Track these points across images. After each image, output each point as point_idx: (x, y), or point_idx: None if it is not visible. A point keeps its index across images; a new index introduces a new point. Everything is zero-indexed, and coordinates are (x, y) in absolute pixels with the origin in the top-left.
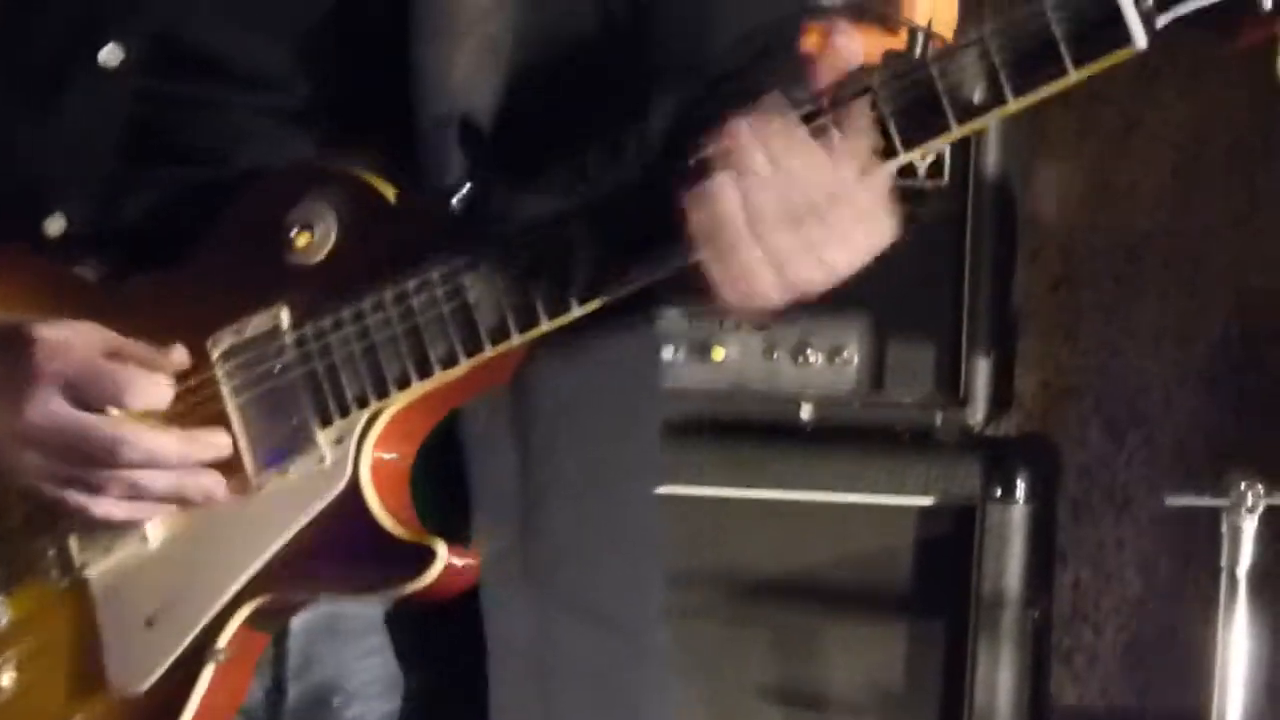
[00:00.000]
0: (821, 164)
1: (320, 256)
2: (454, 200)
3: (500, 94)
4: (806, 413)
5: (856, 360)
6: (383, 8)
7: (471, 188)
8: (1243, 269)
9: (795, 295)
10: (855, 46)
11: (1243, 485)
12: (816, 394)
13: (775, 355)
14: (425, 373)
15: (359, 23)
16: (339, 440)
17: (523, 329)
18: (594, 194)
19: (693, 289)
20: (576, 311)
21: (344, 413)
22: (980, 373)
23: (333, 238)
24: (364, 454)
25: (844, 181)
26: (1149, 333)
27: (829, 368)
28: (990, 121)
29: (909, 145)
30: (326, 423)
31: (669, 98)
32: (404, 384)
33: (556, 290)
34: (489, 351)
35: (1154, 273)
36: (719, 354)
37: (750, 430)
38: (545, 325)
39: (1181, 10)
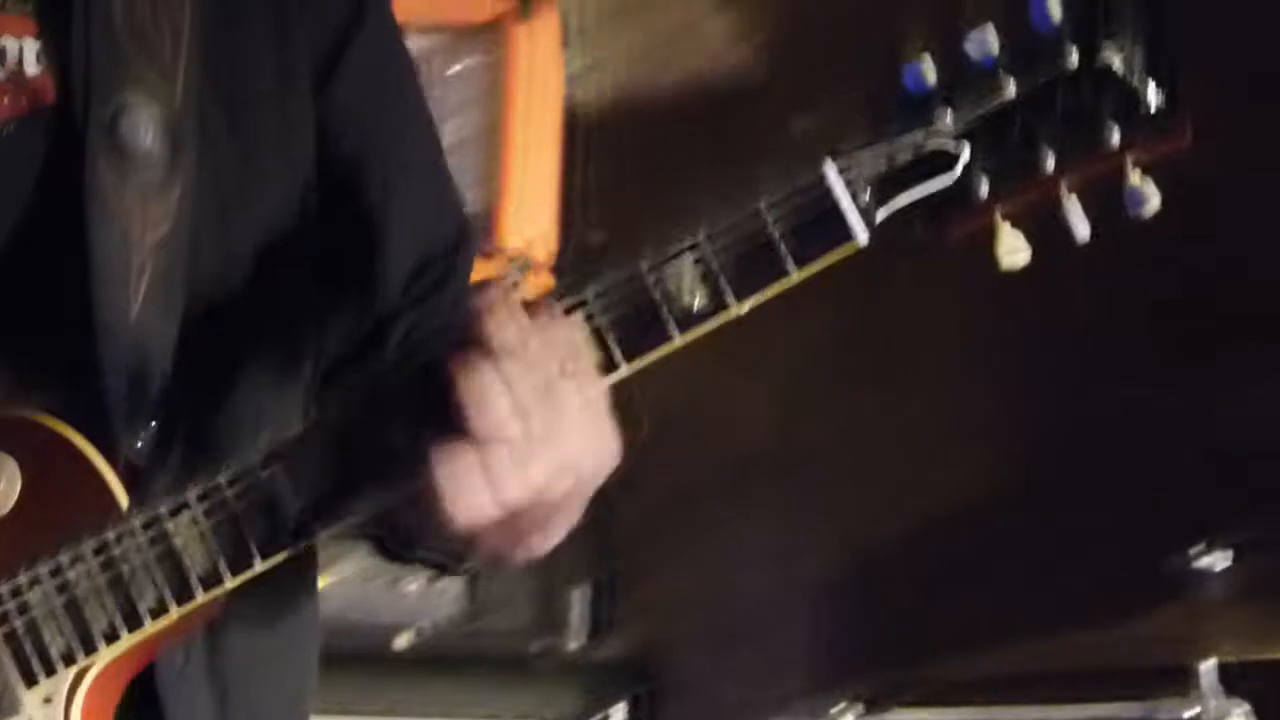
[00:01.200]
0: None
1: (5, 509)
2: (138, 444)
3: (179, 329)
4: (405, 641)
5: (454, 589)
6: (59, 247)
7: (156, 430)
8: (852, 489)
9: (510, 514)
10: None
11: (844, 705)
12: (415, 622)
13: (374, 584)
14: (134, 625)
15: (36, 263)
16: (47, 700)
17: (236, 571)
18: (309, 428)
19: (401, 524)
20: (291, 550)
21: (49, 672)
22: (578, 600)
23: (17, 488)
24: (73, 713)
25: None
26: (755, 553)
27: (427, 596)
28: (715, 325)
29: (631, 357)
30: (32, 683)
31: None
32: (112, 638)
33: (270, 530)
34: (200, 598)
35: (761, 492)
36: (320, 581)
37: (349, 659)
38: (259, 566)
39: (899, 204)
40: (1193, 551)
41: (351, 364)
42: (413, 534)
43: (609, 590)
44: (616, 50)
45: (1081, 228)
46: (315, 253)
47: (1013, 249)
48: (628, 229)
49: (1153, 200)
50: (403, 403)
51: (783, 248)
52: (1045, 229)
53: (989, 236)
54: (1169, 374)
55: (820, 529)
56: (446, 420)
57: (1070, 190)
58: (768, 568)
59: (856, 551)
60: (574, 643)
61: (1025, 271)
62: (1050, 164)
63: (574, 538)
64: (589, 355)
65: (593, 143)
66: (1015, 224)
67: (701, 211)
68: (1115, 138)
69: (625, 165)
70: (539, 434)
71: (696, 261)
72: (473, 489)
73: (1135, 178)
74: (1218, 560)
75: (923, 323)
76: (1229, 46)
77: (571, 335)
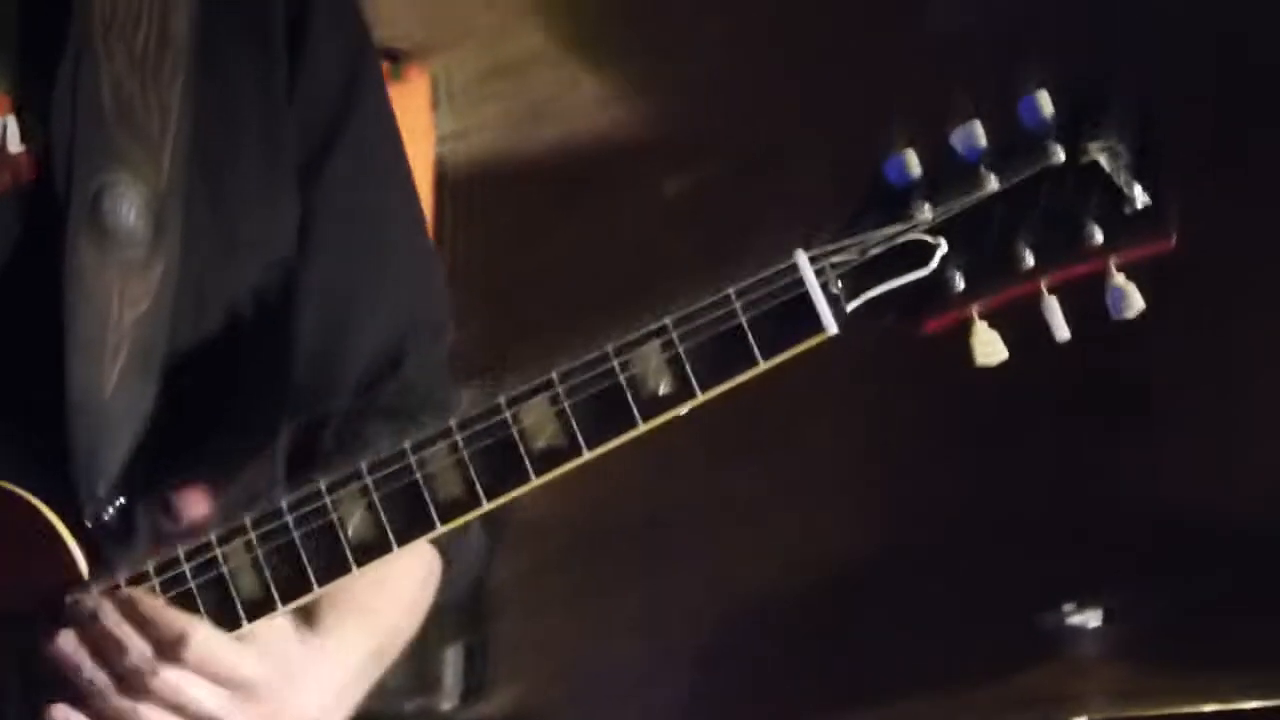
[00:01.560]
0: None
1: None
2: (105, 516)
3: (155, 404)
4: None
5: None
6: (37, 322)
7: (124, 503)
8: (722, 552)
9: None
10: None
11: None
12: None
13: None
14: None
15: (12, 337)
16: None
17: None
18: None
19: None
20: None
21: None
22: (452, 660)
23: None
24: None
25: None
26: (626, 616)
27: None
28: (681, 412)
29: (592, 444)
30: None
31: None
32: None
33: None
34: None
35: (632, 556)
36: None
37: None
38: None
39: (872, 294)
40: (1065, 608)
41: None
42: None
43: (482, 651)
44: (487, 114)
45: (1061, 329)
46: (288, 333)
47: (988, 346)
48: (497, 294)
49: (1135, 302)
50: None
51: (751, 336)
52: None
53: (964, 333)
54: (1043, 434)
55: (692, 592)
56: None
57: (1050, 289)
58: (639, 630)
59: (728, 615)
60: (448, 703)
61: (901, 333)
62: (1030, 262)
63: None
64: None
65: (462, 205)
66: (991, 321)
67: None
68: (1098, 238)
69: (496, 228)
70: None
71: (664, 347)
72: None
73: (1118, 279)
74: (1089, 618)
75: (792, 385)
76: None
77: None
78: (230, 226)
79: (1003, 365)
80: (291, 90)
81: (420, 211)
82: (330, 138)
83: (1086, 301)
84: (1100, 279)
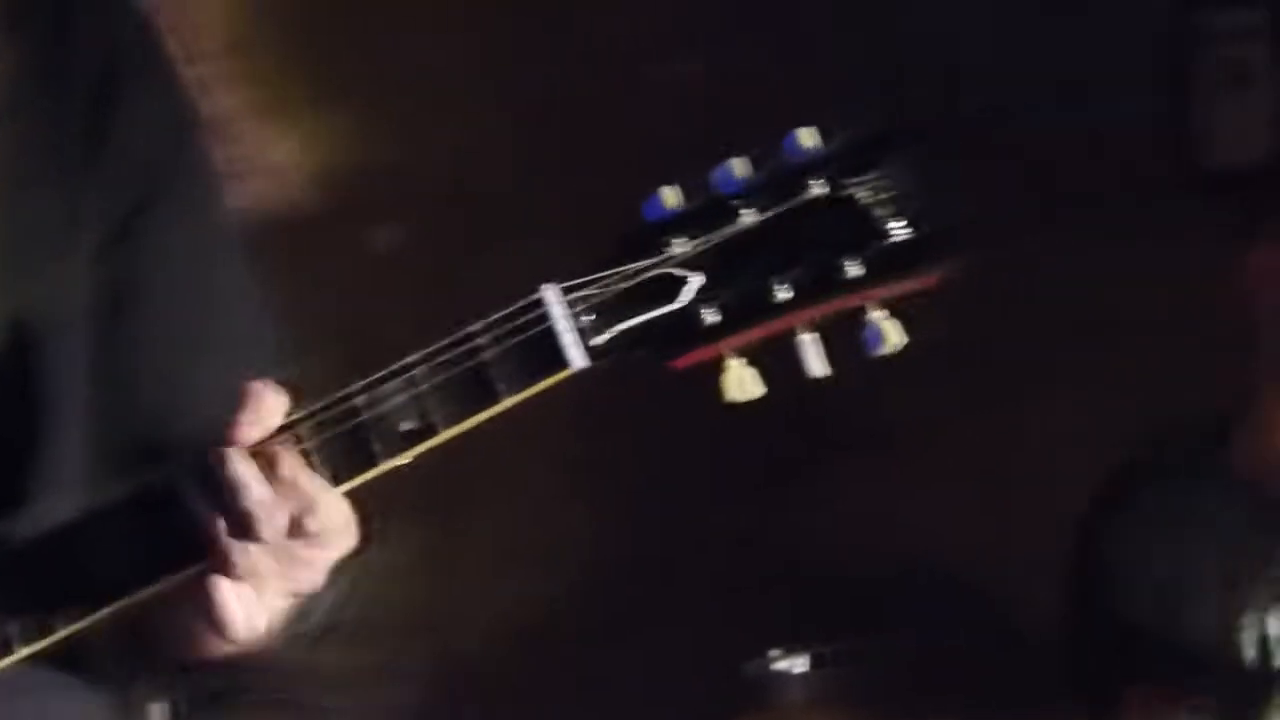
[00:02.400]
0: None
1: None
2: None
3: None
4: None
5: None
6: None
7: None
8: (430, 609)
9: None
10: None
11: None
12: None
13: None
14: None
15: None
16: None
17: None
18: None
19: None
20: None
21: None
22: (157, 716)
23: None
24: None
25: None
26: (332, 674)
27: None
28: (426, 448)
29: (338, 480)
30: None
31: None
32: None
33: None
34: None
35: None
36: None
37: None
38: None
39: (620, 329)
40: (771, 654)
41: None
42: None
43: (186, 709)
44: None
45: (816, 364)
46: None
47: (741, 382)
48: None
49: (893, 338)
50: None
51: (495, 372)
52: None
53: (716, 368)
54: (750, 488)
55: (400, 648)
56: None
57: (806, 325)
58: (346, 689)
59: (438, 673)
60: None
61: (611, 389)
62: (785, 296)
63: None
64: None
65: None
66: (746, 357)
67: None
68: (857, 273)
69: None
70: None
71: (408, 384)
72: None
73: (875, 315)
74: (796, 664)
75: (491, 438)
76: None
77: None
78: (19, 308)
79: (719, 422)
80: (99, 152)
81: (245, 270)
82: (150, 196)
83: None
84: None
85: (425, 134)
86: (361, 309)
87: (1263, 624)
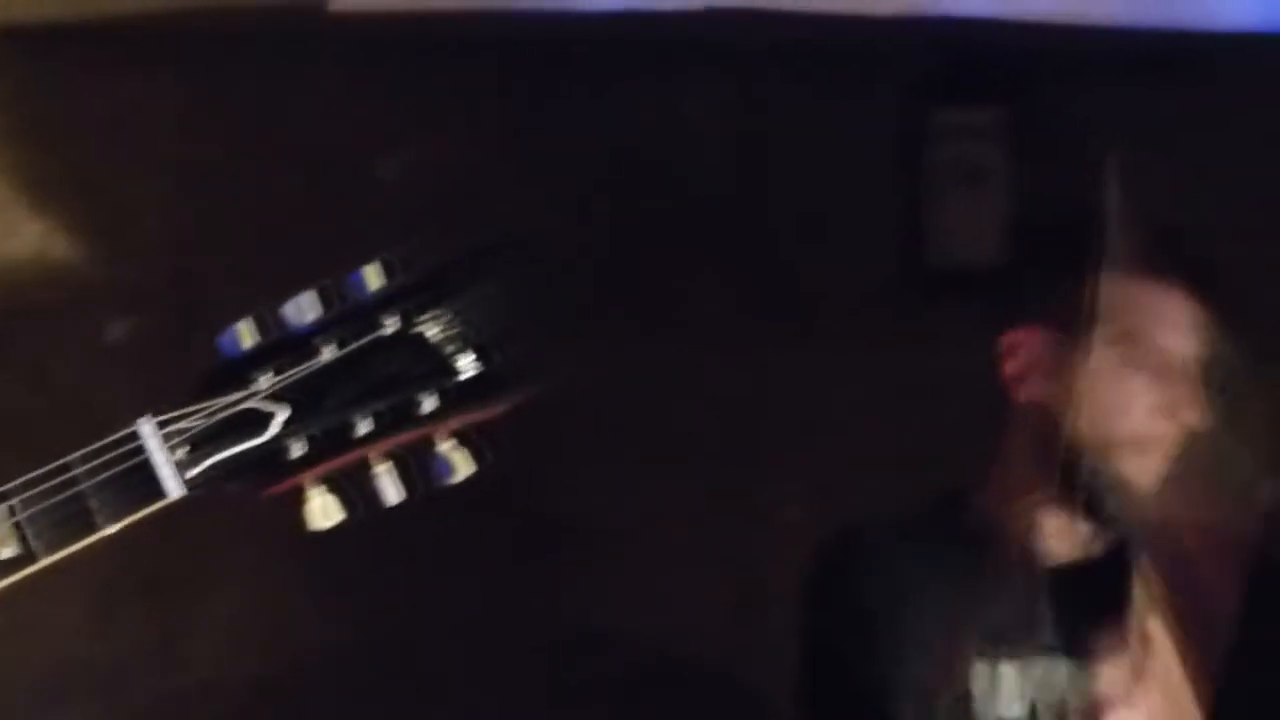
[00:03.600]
0: None
1: None
2: None
3: None
4: None
5: None
6: None
7: None
8: (159, 693)
9: None
10: None
11: None
12: None
13: None
14: None
15: None
16: None
17: None
18: None
19: None
20: None
21: None
22: None
23: None
24: None
25: None
26: None
27: None
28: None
29: None
30: None
31: None
32: None
33: None
34: None
35: (78, 694)
36: None
37: None
38: None
39: (213, 461)
40: None
41: None
42: None
43: None
44: None
45: (391, 492)
46: None
47: (324, 510)
48: None
49: (462, 468)
50: None
51: (93, 503)
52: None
53: (300, 497)
54: (489, 571)
55: None
56: None
57: (382, 455)
58: None
59: None
60: None
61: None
62: (364, 429)
63: None
64: None
65: None
66: (329, 486)
67: None
68: (429, 406)
69: None
70: None
71: (9, 512)
72: None
73: (444, 446)
74: None
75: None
76: None
77: None
78: None
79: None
80: None
81: None
82: None
83: (543, 439)
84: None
85: (146, 228)
86: (79, 402)
87: (990, 677)
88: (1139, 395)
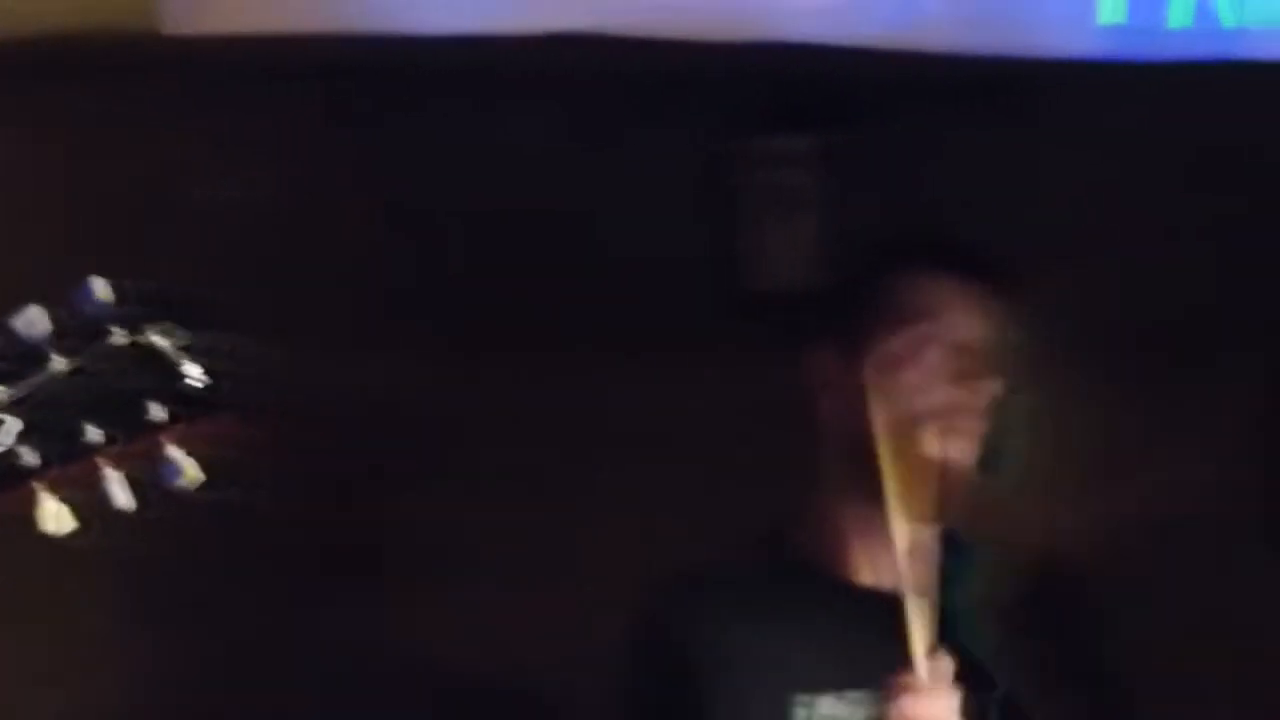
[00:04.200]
0: None
1: None
2: None
3: None
4: None
5: None
6: None
7: None
8: None
9: None
10: None
11: None
12: None
13: None
14: None
15: None
16: None
17: None
18: None
19: None
20: None
21: None
22: None
23: None
24: None
25: None
26: None
27: None
28: None
29: None
30: None
31: None
32: None
33: None
34: None
35: None
36: None
37: None
38: None
39: None
40: None
41: None
42: None
43: None
44: None
45: (121, 498)
46: None
47: (56, 518)
48: None
49: (190, 473)
50: None
51: None
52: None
53: (31, 505)
54: (306, 592)
55: None
56: None
57: (112, 462)
58: None
59: None
60: None
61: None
62: (95, 438)
63: None
64: None
65: None
66: (60, 493)
67: None
68: (158, 415)
69: None
70: None
71: None
72: None
73: (173, 453)
74: None
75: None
76: None
77: None
78: None
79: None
80: None
81: None
82: None
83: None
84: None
85: None
86: None
87: (812, 708)
88: (937, 371)
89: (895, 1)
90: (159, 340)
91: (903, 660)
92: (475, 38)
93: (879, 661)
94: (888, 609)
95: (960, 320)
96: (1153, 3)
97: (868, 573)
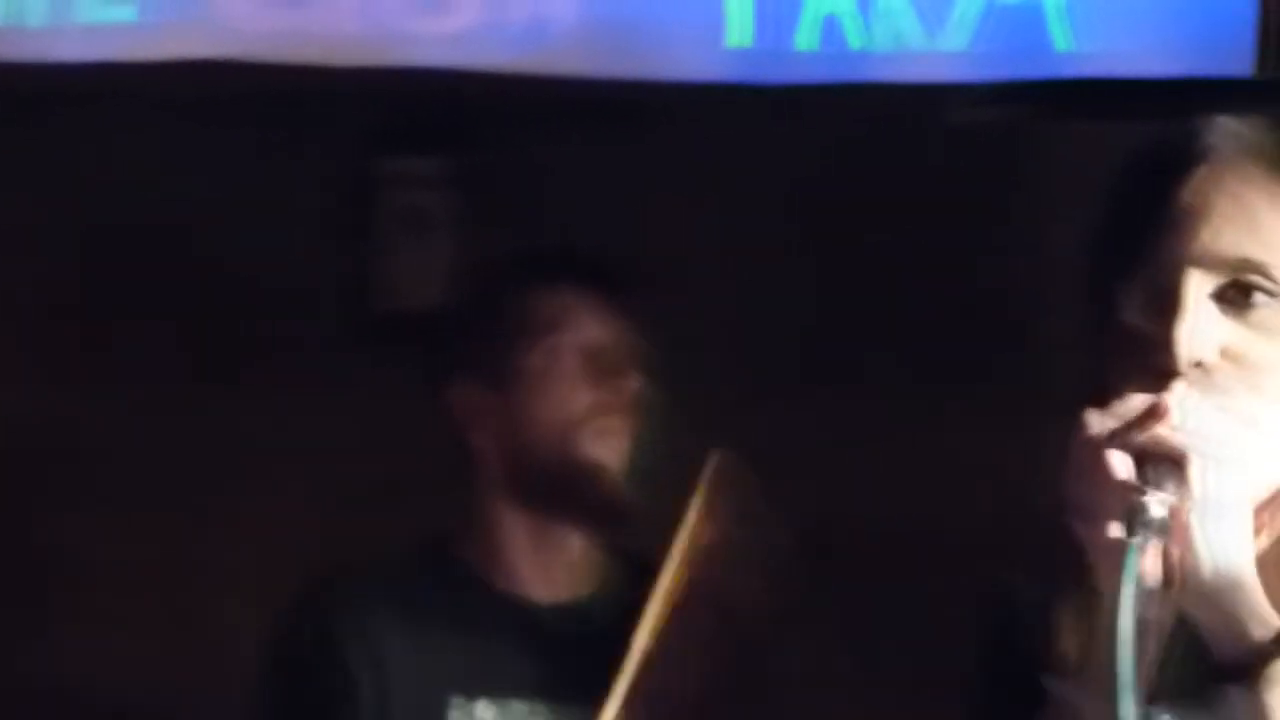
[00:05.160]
0: None
1: None
2: None
3: None
4: None
5: None
6: None
7: None
8: None
9: None
10: None
11: None
12: None
13: None
14: None
15: None
16: None
17: None
18: None
19: None
20: None
21: None
22: None
23: None
24: None
25: None
26: None
27: None
28: None
29: None
30: None
31: None
32: None
33: None
34: None
35: None
36: None
37: None
38: None
39: None
40: None
41: None
42: None
43: None
44: None
45: None
46: None
47: None
48: None
49: None
50: None
51: None
52: None
53: None
54: None
55: None
56: None
57: None
58: None
59: None
60: None
61: None
62: None
63: None
64: None
65: None
66: None
67: None
68: None
69: None
70: None
71: None
72: None
73: None
74: None
75: None
76: None
77: None
78: None
79: None
80: None
81: None
82: None
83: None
84: None
85: None
86: None
87: (468, 711)
88: (576, 376)
89: (525, 27)
90: None
91: (574, 672)
92: (108, 64)
93: (534, 672)
94: (544, 620)
95: (589, 325)
96: (780, 26)
97: (538, 584)
